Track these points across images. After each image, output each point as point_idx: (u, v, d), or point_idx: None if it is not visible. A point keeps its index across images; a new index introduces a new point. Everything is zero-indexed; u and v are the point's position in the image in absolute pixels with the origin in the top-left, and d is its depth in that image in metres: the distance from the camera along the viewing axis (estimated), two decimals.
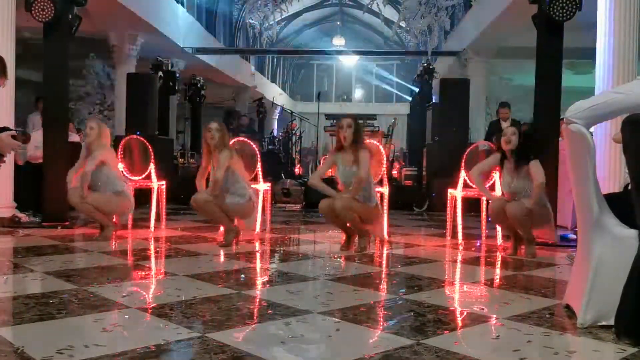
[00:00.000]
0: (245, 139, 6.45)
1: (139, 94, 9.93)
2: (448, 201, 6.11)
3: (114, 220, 5.73)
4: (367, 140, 5.64)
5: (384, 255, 5.05)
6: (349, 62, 28.90)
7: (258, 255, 5.09)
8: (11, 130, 3.48)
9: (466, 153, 6.09)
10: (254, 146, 6.31)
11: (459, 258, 5.00)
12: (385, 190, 5.93)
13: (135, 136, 6.48)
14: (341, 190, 5.23)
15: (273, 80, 27.08)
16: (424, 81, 13.03)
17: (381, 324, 2.98)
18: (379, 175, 5.75)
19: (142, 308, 3.11)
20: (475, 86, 12.83)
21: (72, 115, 9.46)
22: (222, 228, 5.73)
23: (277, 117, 23.88)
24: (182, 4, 14.53)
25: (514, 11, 10.07)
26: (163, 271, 4.28)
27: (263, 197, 6.19)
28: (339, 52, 24.82)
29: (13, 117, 6.53)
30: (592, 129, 3.00)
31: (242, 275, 4.14)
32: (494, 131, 9.40)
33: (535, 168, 4.93)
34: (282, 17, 22.92)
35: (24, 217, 6.51)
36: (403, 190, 9.99)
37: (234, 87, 20.22)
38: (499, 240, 5.64)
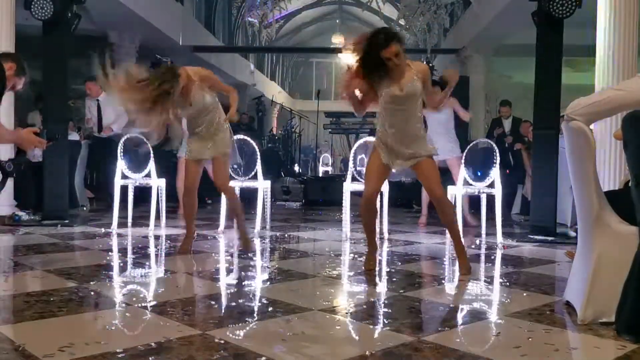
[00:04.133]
0: (245, 137, 6.45)
1: None
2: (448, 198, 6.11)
3: None
4: None
5: (384, 253, 5.05)
6: (349, 60, 28.88)
7: (258, 252, 5.09)
8: (34, 127, 3.48)
9: (466, 151, 6.09)
10: (254, 144, 6.31)
11: None
12: (384, 188, 5.93)
13: (134, 134, 6.47)
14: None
15: (272, 78, 27.02)
16: None
17: (382, 321, 2.98)
18: None
19: (143, 306, 3.11)
20: (475, 83, 12.82)
21: (72, 114, 9.44)
22: (222, 226, 5.74)
23: (276, 115, 23.86)
24: (181, 2, 14.51)
25: (514, 8, 10.05)
26: (163, 269, 4.28)
27: (263, 195, 6.20)
28: (339, 50, 24.80)
29: (13, 116, 6.52)
30: (592, 126, 3.00)
31: (243, 273, 4.14)
32: (494, 128, 9.41)
33: None
34: (282, 15, 22.88)
35: (24, 215, 6.50)
36: (403, 188, 9.99)
37: (233, 85, 20.18)
38: (499, 237, 5.64)
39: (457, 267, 4.13)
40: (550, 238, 5.77)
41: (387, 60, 3.86)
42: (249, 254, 4.76)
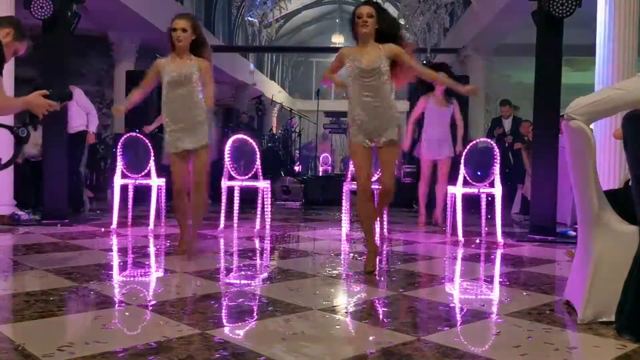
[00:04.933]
0: (245, 137, 6.45)
1: None
2: (448, 198, 6.12)
3: None
4: None
5: (384, 252, 5.05)
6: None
7: (258, 252, 5.09)
8: (42, 91, 3.35)
9: (466, 150, 6.09)
10: (254, 144, 6.31)
11: (459, 255, 5.00)
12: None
13: (134, 134, 6.47)
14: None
15: (272, 78, 27.02)
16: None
17: (381, 320, 2.98)
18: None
19: (143, 305, 3.11)
20: (475, 83, 12.71)
21: None
22: (222, 225, 5.73)
23: (276, 115, 23.84)
24: (181, 2, 14.51)
25: (514, 8, 10.05)
26: (163, 268, 4.28)
27: (263, 194, 6.20)
28: (338, 50, 24.82)
29: (13, 115, 6.50)
30: (592, 125, 3.00)
31: (242, 272, 4.14)
32: (494, 128, 9.41)
33: None
34: (281, 14, 22.87)
35: (23, 214, 6.50)
36: (402, 188, 9.99)
37: (233, 84, 20.20)
38: (499, 236, 5.64)
39: (457, 267, 4.13)
40: (550, 238, 5.77)
41: (358, 24, 4.07)
42: (190, 260, 4.41)
